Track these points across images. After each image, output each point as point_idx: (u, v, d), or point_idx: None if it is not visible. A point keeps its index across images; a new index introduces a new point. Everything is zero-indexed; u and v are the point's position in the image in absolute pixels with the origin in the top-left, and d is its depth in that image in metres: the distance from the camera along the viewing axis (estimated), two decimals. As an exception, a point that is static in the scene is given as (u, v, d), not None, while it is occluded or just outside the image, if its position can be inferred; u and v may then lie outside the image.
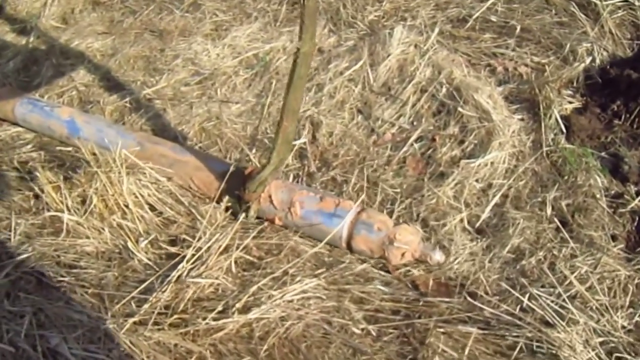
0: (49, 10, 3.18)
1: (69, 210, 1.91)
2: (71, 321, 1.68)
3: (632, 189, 1.83)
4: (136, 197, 1.94)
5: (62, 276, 1.80)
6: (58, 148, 2.37)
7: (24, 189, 2.09)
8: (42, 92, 2.73)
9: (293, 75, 1.58)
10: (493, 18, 2.44)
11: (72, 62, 2.86)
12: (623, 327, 1.54)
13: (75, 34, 3.04)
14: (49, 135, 2.43)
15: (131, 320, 1.63)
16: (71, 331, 1.64)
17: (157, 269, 1.79)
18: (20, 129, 2.54)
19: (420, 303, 1.68)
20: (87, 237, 1.90)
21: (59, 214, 1.90)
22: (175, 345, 1.59)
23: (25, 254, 1.85)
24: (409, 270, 1.79)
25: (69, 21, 3.18)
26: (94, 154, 1.94)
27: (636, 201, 1.79)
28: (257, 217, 1.96)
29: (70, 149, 2.36)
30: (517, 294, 1.60)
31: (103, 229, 1.91)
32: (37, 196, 2.04)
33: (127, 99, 2.58)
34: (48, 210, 1.95)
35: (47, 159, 2.26)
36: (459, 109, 2.12)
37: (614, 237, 1.75)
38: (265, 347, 1.58)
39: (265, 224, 1.95)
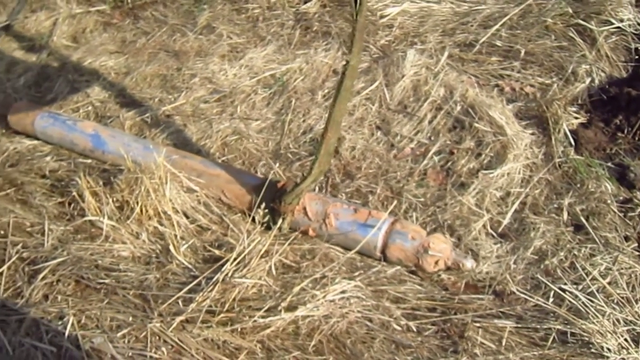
0: (60, 30, 3.23)
1: (106, 215, 1.94)
2: (115, 321, 1.70)
3: (639, 194, 2.00)
4: (173, 204, 1.99)
5: (102, 278, 1.82)
6: (79, 160, 2.40)
7: (57, 195, 2.11)
8: (56, 107, 2.76)
9: (340, 87, 1.67)
10: (498, 43, 2.64)
11: (87, 78, 2.91)
12: (644, 317, 1.67)
13: (87, 52, 3.09)
14: (69, 149, 2.46)
15: (179, 318, 1.66)
16: (115, 331, 1.66)
17: (197, 272, 1.84)
18: (35, 141, 2.55)
19: (455, 301, 1.77)
20: (124, 242, 1.94)
21: (97, 218, 1.93)
22: (224, 341, 1.63)
23: (60, 258, 1.87)
24: (439, 274, 1.88)
25: (80, 40, 3.23)
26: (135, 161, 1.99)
27: (644, 206, 1.96)
28: (290, 229, 2.02)
29: (90, 161, 2.39)
30: (551, 286, 1.72)
31: (140, 234, 1.95)
32: (70, 202, 2.06)
33: (146, 115, 2.63)
34: (84, 216, 1.98)
35: (73, 169, 2.29)
36: (475, 124, 2.27)
37: (626, 238, 1.89)
38: (313, 343, 1.64)
39: (296, 232, 2.02)
